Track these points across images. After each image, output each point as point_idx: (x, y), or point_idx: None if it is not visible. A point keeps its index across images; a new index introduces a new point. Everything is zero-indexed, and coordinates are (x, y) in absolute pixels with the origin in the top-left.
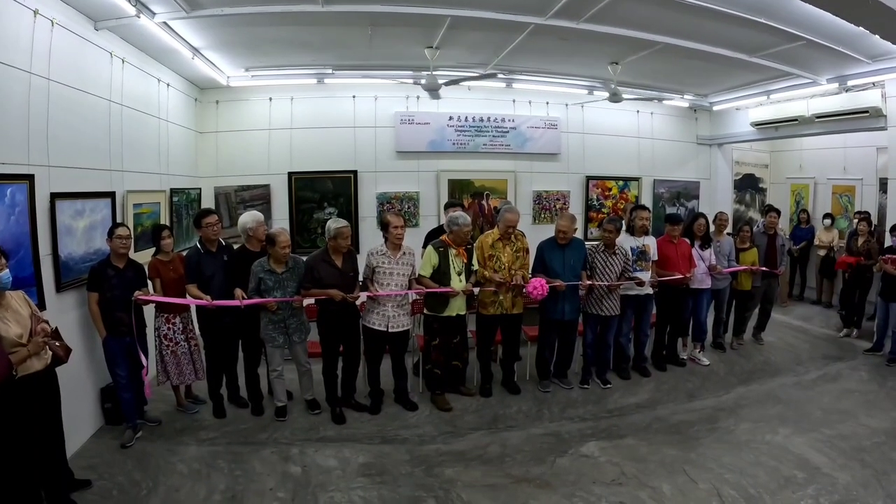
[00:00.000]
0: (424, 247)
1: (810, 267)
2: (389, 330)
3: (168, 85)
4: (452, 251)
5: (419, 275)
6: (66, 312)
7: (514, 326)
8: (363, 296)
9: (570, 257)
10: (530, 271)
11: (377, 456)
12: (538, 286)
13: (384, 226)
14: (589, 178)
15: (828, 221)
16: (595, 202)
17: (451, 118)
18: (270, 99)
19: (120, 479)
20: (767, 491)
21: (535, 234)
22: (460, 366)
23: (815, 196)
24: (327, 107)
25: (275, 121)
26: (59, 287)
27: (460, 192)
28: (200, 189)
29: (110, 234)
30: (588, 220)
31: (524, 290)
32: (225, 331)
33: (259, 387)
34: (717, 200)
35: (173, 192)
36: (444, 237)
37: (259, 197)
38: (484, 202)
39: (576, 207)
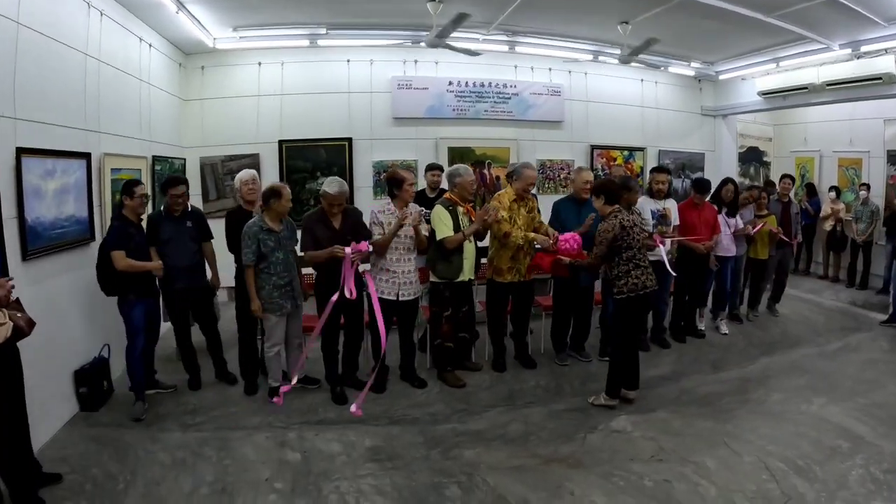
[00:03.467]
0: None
1: (816, 241)
2: (399, 298)
3: (150, 46)
4: (460, 209)
5: (439, 239)
6: (34, 284)
7: (528, 295)
8: (365, 246)
9: (585, 216)
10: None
11: (386, 438)
12: (569, 240)
13: (396, 182)
14: (593, 148)
15: (833, 194)
16: (600, 172)
17: (450, 83)
18: (259, 64)
19: (94, 471)
20: (815, 462)
21: (541, 204)
22: (468, 338)
23: (820, 169)
24: (320, 72)
25: (264, 87)
26: (26, 255)
27: (460, 160)
28: (185, 160)
29: (129, 192)
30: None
31: (553, 247)
32: (178, 297)
33: (256, 360)
34: (723, 173)
35: (156, 159)
36: (448, 195)
37: (247, 167)
38: (486, 171)
39: None
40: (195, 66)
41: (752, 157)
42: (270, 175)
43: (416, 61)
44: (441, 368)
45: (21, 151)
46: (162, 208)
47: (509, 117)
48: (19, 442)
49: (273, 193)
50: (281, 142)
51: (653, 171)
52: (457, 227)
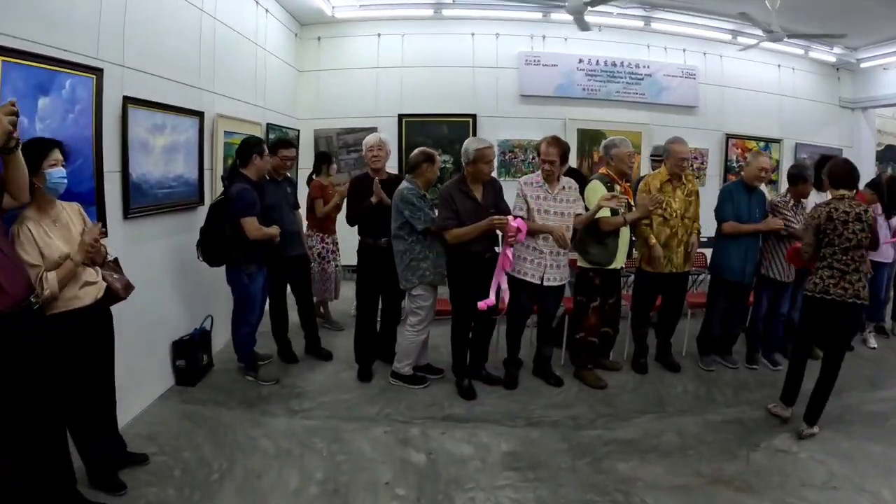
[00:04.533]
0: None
1: None
2: (544, 283)
3: (267, 11)
4: (618, 187)
5: (598, 218)
6: (134, 245)
7: (681, 289)
8: (514, 223)
9: (755, 206)
10: (721, 218)
11: (525, 443)
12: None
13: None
14: (728, 137)
15: None
16: (734, 164)
17: (580, 61)
18: (379, 35)
19: (186, 454)
20: None
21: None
22: (611, 333)
23: None
24: (442, 45)
25: (384, 59)
26: (128, 213)
27: (590, 143)
28: (299, 131)
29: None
30: (726, 182)
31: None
32: (286, 265)
33: (374, 344)
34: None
35: (270, 127)
36: (603, 170)
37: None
38: None
39: (713, 168)
40: (311, 36)
41: (890, 157)
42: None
43: (543, 37)
44: (580, 366)
45: (128, 101)
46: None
47: (641, 100)
48: (103, 416)
49: (426, 158)
50: (401, 116)
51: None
52: (614, 208)
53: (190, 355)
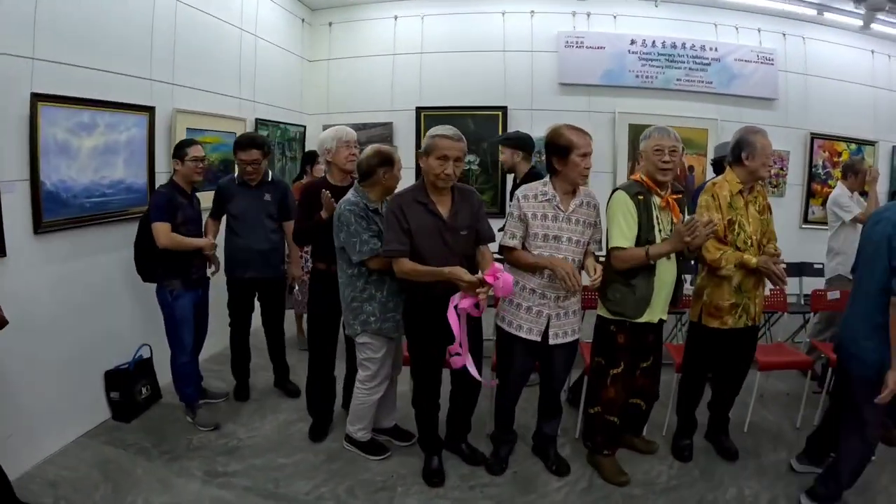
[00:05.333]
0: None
1: None
2: (550, 341)
3: None
4: (656, 199)
5: (610, 248)
6: (49, 265)
7: (750, 347)
8: (496, 275)
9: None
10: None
11: None
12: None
13: (562, 150)
14: (813, 137)
15: None
16: (820, 170)
17: (633, 42)
18: (396, 18)
19: None
20: None
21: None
22: (643, 406)
23: None
24: (468, 26)
25: (400, 45)
26: (39, 227)
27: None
28: (304, 127)
29: (180, 154)
30: (810, 193)
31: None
32: (244, 287)
33: (330, 396)
34: None
35: (259, 123)
36: (636, 175)
37: (378, 138)
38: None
39: (795, 175)
40: (321, 22)
41: None
42: (407, 150)
43: (588, 14)
44: (595, 449)
45: (38, 98)
46: (236, 174)
47: (708, 89)
48: None
49: (382, 160)
50: (419, 109)
51: None
52: (647, 228)
53: (125, 387)
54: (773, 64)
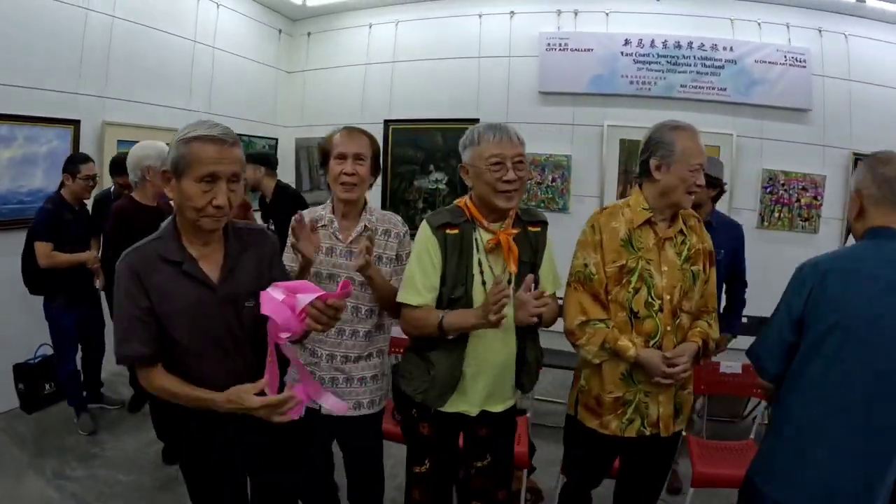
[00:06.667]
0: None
1: None
2: (322, 410)
3: (218, 5)
4: (483, 234)
5: (399, 300)
6: None
7: (662, 460)
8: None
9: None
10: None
11: None
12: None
13: (324, 155)
14: (857, 158)
15: None
16: None
17: (626, 42)
18: (370, 25)
19: None
20: None
21: (760, 248)
22: None
23: None
24: (442, 31)
25: (374, 53)
26: None
27: (638, 159)
28: (276, 140)
29: (71, 170)
30: (851, 230)
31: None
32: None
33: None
34: None
35: None
36: (460, 201)
37: None
38: None
39: (832, 207)
40: (300, 32)
41: None
42: None
43: (575, 12)
44: None
45: None
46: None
47: (721, 97)
48: None
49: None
50: (387, 122)
51: None
52: (455, 282)
53: (29, 381)
54: (805, 66)
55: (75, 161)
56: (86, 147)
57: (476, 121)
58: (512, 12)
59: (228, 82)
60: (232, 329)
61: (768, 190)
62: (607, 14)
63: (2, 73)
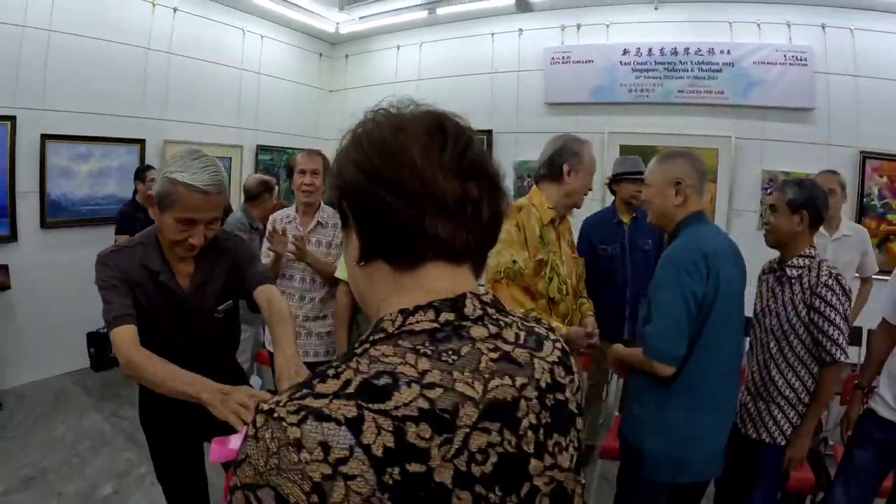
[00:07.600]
0: None
1: None
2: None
3: (262, 37)
4: None
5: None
6: (50, 250)
7: None
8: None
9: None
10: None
11: None
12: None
13: (290, 170)
14: (865, 157)
15: None
16: (875, 201)
17: (625, 52)
18: (398, 47)
19: None
20: None
21: (760, 249)
22: None
23: None
24: (460, 51)
25: (402, 72)
26: (45, 223)
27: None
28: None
29: (141, 177)
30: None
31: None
32: None
33: None
34: None
35: (260, 149)
36: None
37: None
38: None
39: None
40: (339, 55)
41: None
42: None
43: (578, 26)
44: None
45: (46, 137)
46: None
47: (719, 100)
48: None
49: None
50: None
51: None
52: None
53: (98, 346)
54: (806, 65)
55: (142, 170)
56: (150, 161)
57: (489, 132)
58: (520, 30)
59: (274, 102)
60: (198, 334)
61: (768, 191)
62: (608, 26)
63: (82, 103)
